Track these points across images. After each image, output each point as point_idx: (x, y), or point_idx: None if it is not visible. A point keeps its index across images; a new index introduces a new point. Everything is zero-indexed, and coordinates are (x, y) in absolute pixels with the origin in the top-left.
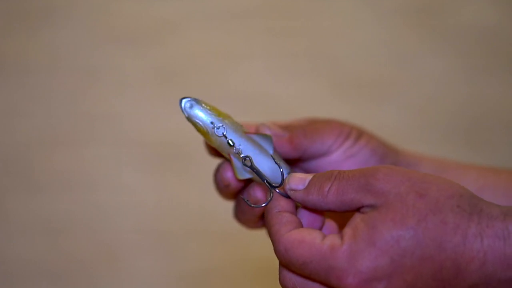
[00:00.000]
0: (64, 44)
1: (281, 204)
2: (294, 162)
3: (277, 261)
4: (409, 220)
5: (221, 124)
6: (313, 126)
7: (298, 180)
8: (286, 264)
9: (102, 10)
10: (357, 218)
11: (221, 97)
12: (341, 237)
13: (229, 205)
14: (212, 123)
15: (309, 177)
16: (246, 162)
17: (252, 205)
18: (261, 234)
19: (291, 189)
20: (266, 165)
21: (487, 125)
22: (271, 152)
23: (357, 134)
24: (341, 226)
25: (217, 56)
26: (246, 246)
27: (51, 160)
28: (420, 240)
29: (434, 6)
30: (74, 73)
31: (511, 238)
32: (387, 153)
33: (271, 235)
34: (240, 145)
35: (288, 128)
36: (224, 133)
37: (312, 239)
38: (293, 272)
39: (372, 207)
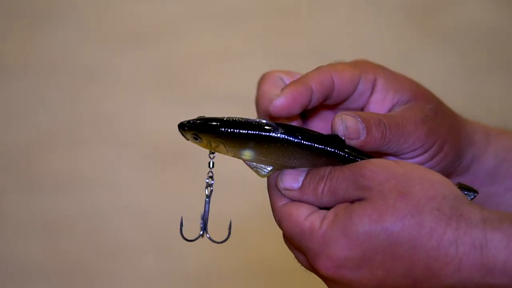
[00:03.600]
0: (64, 44)
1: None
2: None
3: (280, 263)
4: (386, 219)
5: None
6: (398, 127)
7: (291, 179)
8: (282, 231)
9: (102, 10)
10: (342, 205)
11: (220, 97)
12: (322, 219)
13: (229, 205)
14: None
15: (302, 174)
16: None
17: (188, 239)
18: (262, 235)
19: (286, 189)
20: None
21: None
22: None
23: (439, 147)
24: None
25: (216, 56)
26: (246, 246)
27: (50, 160)
28: (394, 240)
29: (435, 6)
30: (74, 73)
31: (488, 247)
32: (456, 165)
33: (271, 204)
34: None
35: (368, 121)
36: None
37: (297, 216)
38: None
39: (359, 199)
